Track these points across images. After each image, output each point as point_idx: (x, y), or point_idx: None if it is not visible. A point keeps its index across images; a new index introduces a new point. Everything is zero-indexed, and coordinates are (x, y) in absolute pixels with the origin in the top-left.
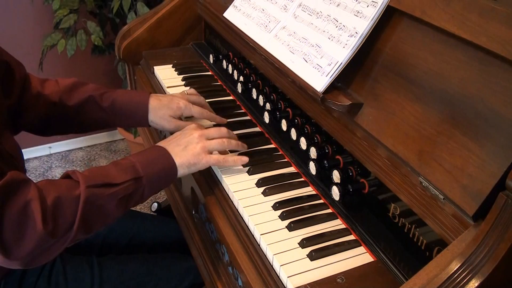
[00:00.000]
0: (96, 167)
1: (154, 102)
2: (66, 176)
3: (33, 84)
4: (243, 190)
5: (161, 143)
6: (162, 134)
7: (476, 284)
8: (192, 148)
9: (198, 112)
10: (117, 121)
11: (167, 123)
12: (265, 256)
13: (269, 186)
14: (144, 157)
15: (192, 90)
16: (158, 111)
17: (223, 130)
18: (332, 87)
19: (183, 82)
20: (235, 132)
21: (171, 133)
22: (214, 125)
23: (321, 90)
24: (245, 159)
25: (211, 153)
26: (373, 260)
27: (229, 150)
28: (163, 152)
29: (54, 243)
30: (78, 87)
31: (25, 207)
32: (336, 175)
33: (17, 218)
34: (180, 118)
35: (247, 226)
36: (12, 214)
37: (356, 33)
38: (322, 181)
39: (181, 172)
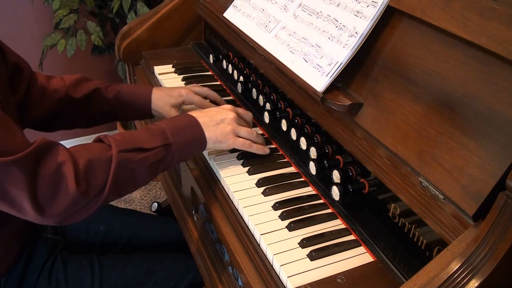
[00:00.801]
0: (127, 131)
1: (156, 92)
2: (98, 140)
3: (39, 81)
4: (243, 190)
5: (194, 113)
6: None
7: (476, 284)
8: (223, 126)
9: (199, 101)
10: (122, 113)
11: (166, 112)
12: (265, 256)
13: (269, 186)
14: (174, 124)
15: (195, 85)
16: (160, 100)
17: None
18: (332, 87)
19: (183, 82)
20: None
21: None
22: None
23: (321, 90)
24: (267, 150)
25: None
26: (373, 260)
27: None
28: (194, 122)
29: (86, 204)
30: (83, 82)
31: (58, 169)
32: (336, 175)
33: (51, 179)
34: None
35: (247, 226)
36: (45, 175)
37: (356, 33)
38: (322, 181)
39: (207, 146)
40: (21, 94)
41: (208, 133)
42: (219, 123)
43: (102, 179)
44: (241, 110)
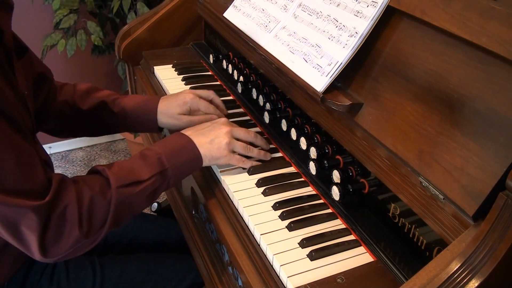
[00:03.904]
0: (123, 161)
1: (161, 105)
2: (96, 171)
3: (55, 88)
4: (243, 190)
5: (187, 132)
6: (162, 134)
7: (476, 284)
8: (218, 142)
9: (205, 106)
10: (128, 126)
11: (178, 122)
12: (265, 256)
13: (269, 186)
14: (169, 147)
15: (202, 90)
16: (167, 112)
17: (251, 133)
18: (332, 87)
19: (183, 82)
20: None
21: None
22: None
23: (321, 90)
24: (269, 156)
25: (234, 152)
26: (373, 260)
27: None
28: (189, 142)
29: (85, 242)
30: (92, 93)
31: (65, 211)
32: (336, 175)
33: (58, 222)
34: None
35: (247, 226)
36: (54, 219)
37: (356, 33)
38: (322, 181)
39: (203, 163)
40: (41, 100)
41: (204, 151)
42: (214, 139)
43: (102, 217)
44: (239, 129)
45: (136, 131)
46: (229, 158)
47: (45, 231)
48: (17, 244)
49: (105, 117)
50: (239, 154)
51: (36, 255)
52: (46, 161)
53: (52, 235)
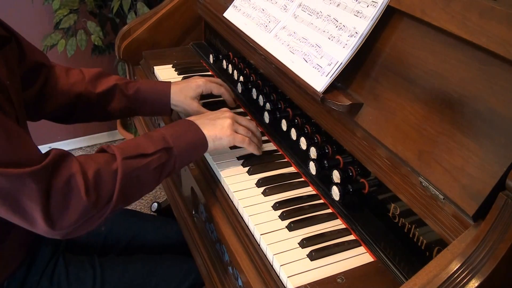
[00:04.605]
0: (129, 139)
1: (174, 87)
2: (102, 150)
3: (57, 73)
4: (243, 190)
5: (191, 118)
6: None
7: (476, 284)
8: (220, 123)
9: (216, 87)
10: (140, 109)
11: (188, 106)
12: (265, 256)
13: (269, 186)
14: (173, 129)
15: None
16: (179, 94)
17: (253, 122)
18: (332, 87)
19: None
20: None
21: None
22: None
23: (321, 90)
24: (261, 151)
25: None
26: (373, 260)
27: None
28: (193, 125)
29: (94, 214)
30: (103, 77)
31: (69, 181)
32: (336, 175)
33: (62, 191)
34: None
35: (247, 226)
36: (58, 187)
37: (356, 33)
38: (322, 181)
39: (208, 145)
40: (37, 87)
41: (207, 132)
42: (216, 120)
43: (110, 188)
44: (239, 117)
45: (148, 114)
46: (233, 137)
47: (48, 200)
48: (22, 220)
49: (118, 100)
50: None
51: (43, 228)
52: None
53: (57, 205)
